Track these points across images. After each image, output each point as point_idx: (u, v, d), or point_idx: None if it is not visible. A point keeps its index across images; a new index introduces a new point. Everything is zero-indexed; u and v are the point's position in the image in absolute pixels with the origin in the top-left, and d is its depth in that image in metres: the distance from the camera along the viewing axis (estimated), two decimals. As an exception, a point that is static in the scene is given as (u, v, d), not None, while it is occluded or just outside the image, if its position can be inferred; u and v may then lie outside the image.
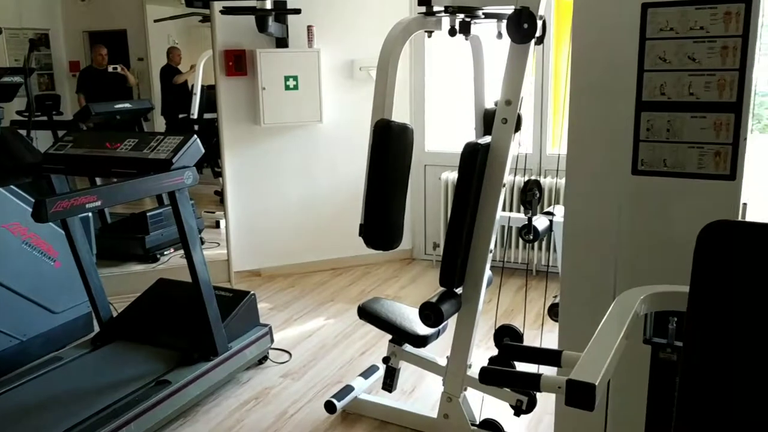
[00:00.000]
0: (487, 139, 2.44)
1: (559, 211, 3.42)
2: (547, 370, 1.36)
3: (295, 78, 4.47)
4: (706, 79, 1.78)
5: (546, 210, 3.43)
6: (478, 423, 2.66)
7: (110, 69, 5.45)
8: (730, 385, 1.34)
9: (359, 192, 4.97)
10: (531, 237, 2.64)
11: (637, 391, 2.00)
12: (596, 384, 1.15)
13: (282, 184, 4.76)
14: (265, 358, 3.40)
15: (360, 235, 2.43)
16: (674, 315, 1.94)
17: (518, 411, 2.54)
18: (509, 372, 1.28)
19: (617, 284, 2.05)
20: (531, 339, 3.33)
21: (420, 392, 3.11)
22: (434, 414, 2.73)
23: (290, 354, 3.51)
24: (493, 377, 1.28)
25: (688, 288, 1.49)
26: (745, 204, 1.90)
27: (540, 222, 3.16)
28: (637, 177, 1.93)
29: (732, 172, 1.80)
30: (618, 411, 2.13)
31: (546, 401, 2.72)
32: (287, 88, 4.47)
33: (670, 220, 1.91)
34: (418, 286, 4.60)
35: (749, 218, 1.94)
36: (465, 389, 2.67)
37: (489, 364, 2.49)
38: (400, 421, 2.82)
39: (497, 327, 2.61)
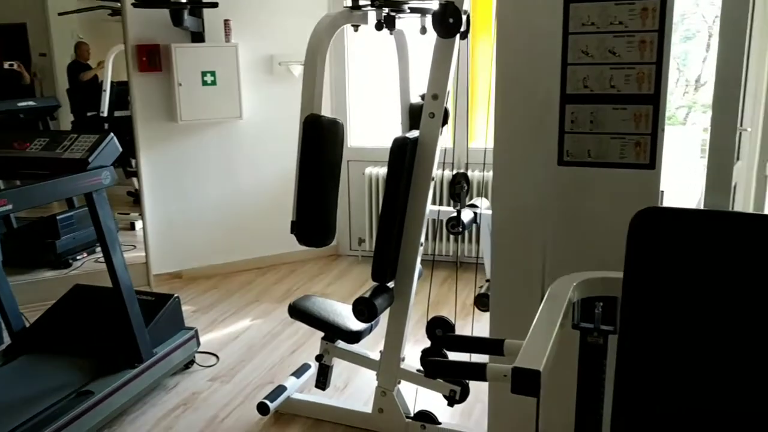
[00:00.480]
0: (415, 133, 2.45)
1: (482, 203, 3.50)
2: (478, 359, 1.38)
3: (213, 73, 4.36)
4: (626, 72, 1.86)
5: (470, 203, 3.49)
6: (412, 415, 2.68)
7: (6, 66, 5.13)
8: (660, 366, 1.40)
9: (283, 189, 4.91)
10: (459, 229, 2.68)
11: (567, 374, 2.07)
12: (541, 370, 1.17)
13: (202, 182, 4.63)
14: (192, 362, 3.30)
15: (292, 232, 2.39)
16: (600, 300, 2.02)
17: (452, 401, 2.57)
18: (455, 363, 1.29)
19: (546, 272, 2.11)
20: (461, 329, 3.39)
21: (353, 388, 3.11)
22: (369, 409, 2.74)
23: (218, 357, 3.43)
24: (439, 369, 1.29)
25: (617, 273, 1.56)
26: (662, 191, 2.00)
27: (465, 214, 3.22)
28: (563, 167, 1.99)
29: (652, 161, 1.89)
30: (549, 394, 2.19)
31: (478, 391, 2.77)
32: (205, 83, 4.34)
33: (595, 209, 1.98)
34: (345, 282, 4.59)
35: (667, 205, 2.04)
36: (399, 382, 2.69)
37: (422, 356, 2.52)
38: (334, 418, 2.81)
39: (429, 319, 2.63)
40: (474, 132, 4.70)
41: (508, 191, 2.14)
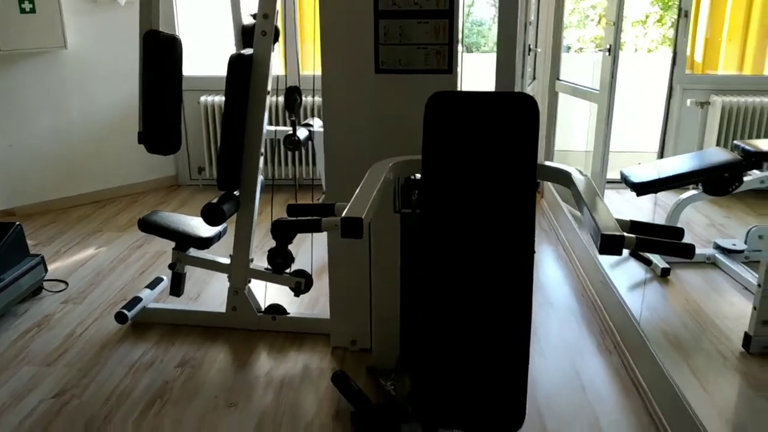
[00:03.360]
0: (249, 51, 2.67)
1: (315, 122, 3.80)
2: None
3: (31, 0, 4.18)
4: (426, -10, 2.22)
5: (304, 122, 3.79)
6: (263, 310, 2.99)
7: None
8: (443, 234, 1.80)
9: (117, 121, 4.91)
10: (297, 138, 2.96)
11: (392, 251, 2.48)
12: (363, 218, 1.52)
13: (28, 117, 4.48)
14: (41, 288, 3.35)
15: (140, 142, 2.54)
16: (416, 188, 2.43)
17: (298, 291, 2.91)
18: (297, 221, 1.60)
19: (369, 162, 2.47)
20: (301, 238, 3.73)
21: (206, 295, 3.35)
22: (223, 309, 3.00)
23: (66, 283, 3.49)
24: (284, 228, 1.60)
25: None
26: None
27: (300, 132, 3.52)
28: (380, 75, 2.34)
29: (449, 67, 2.29)
30: (379, 273, 2.60)
31: (320, 286, 3.14)
32: (23, 11, 4.16)
33: (408, 109, 2.36)
34: (188, 210, 4.72)
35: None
36: (249, 282, 2.97)
37: (268, 255, 2.83)
38: (191, 321, 3.03)
39: (273, 221, 2.91)
40: (304, 62, 4.95)
41: (336, 100, 2.46)
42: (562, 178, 1.87)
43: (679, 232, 1.56)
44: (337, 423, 2.32)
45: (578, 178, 1.80)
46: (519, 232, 1.68)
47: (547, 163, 1.92)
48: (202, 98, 4.90)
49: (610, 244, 1.43)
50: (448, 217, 1.72)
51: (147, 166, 5.03)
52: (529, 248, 1.68)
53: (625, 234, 1.44)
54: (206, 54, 5.07)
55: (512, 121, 1.63)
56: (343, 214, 1.53)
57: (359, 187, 1.73)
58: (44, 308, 3.22)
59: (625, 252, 3.62)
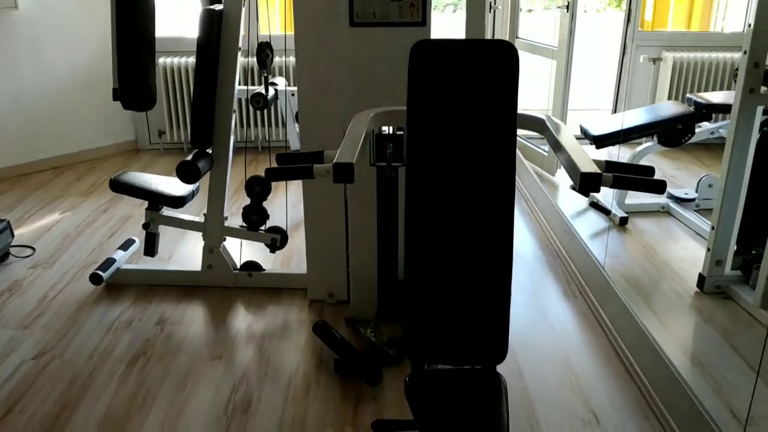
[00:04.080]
0: (219, 6, 2.66)
1: (281, 81, 3.80)
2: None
3: (-22, -42, 4.03)
4: (399, -57, 2.25)
5: (270, 81, 3.78)
6: (239, 267, 3.03)
7: None
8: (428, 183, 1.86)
9: (73, 86, 4.78)
10: (265, 95, 2.97)
11: (368, 204, 2.54)
12: (353, 162, 1.57)
13: (-22, 80, 4.34)
14: (7, 254, 3.30)
15: (115, 99, 2.52)
16: (390, 142, 2.48)
17: (273, 248, 2.96)
18: (289, 168, 1.64)
19: (345, 116, 2.51)
20: (275, 196, 3.76)
21: (179, 255, 3.35)
22: (198, 268, 3.03)
23: (33, 248, 3.45)
24: (277, 174, 1.64)
25: (405, 107, 1.98)
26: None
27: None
28: (354, 28, 2.37)
29: (423, 20, 2.33)
30: (355, 226, 2.66)
31: (294, 243, 3.19)
32: (-31, -30, 4.01)
33: (383, 60, 2.40)
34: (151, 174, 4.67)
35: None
36: (224, 239, 3.00)
37: (243, 212, 2.86)
38: (166, 281, 3.04)
39: (247, 179, 2.93)
40: (273, 23, 4.89)
41: (310, 54, 2.48)
42: (536, 125, 1.96)
43: (650, 170, 1.66)
44: (320, 371, 2.40)
45: (552, 124, 1.89)
46: (502, 177, 1.76)
47: (521, 111, 1.99)
48: (162, 60, 4.81)
49: (589, 182, 1.52)
50: (433, 164, 1.79)
51: (106, 131, 4.94)
52: (510, 194, 1.76)
53: (603, 172, 1.54)
54: (164, 15, 4.96)
55: (494, 67, 1.70)
56: (335, 160, 1.58)
57: (346, 135, 1.78)
58: (12, 274, 3.18)
59: (585, 202, 3.77)
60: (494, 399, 1.60)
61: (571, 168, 1.59)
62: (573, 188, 1.91)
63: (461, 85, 1.74)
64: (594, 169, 1.54)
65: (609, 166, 1.67)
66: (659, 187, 1.54)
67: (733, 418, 1.99)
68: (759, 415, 1.90)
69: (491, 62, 1.68)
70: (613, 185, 1.55)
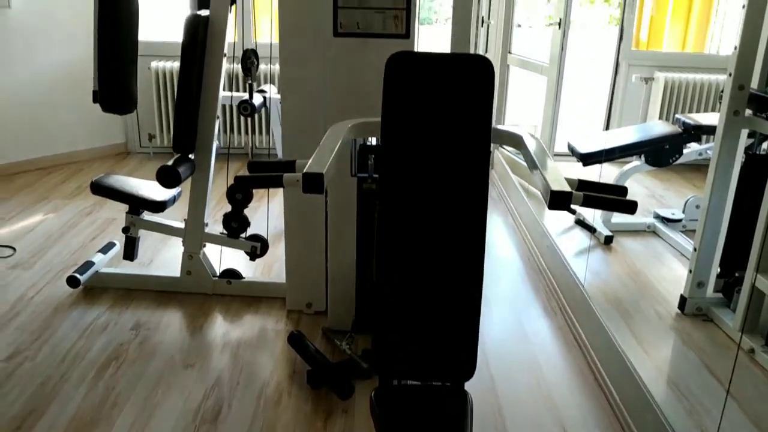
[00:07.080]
0: (206, 12, 2.65)
1: (271, 89, 3.80)
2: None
3: (-29, -43, 4.02)
4: (384, -46, 2.24)
5: (258, 89, 3.78)
6: (218, 274, 3.01)
7: None
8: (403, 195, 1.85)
9: (62, 86, 4.78)
10: (252, 103, 2.96)
11: (348, 215, 2.53)
12: (324, 173, 1.56)
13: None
14: (-14, 254, 3.28)
15: (95, 101, 2.50)
16: (372, 153, 2.47)
17: (253, 256, 2.94)
18: (259, 176, 1.62)
19: (327, 126, 2.50)
20: (256, 204, 3.75)
21: (159, 261, 3.33)
22: (177, 274, 3.00)
23: (14, 249, 3.42)
24: (247, 182, 1.62)
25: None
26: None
27: (256, 99, 3.51)
28: (338, 38, 2.36)
29: (407, 32, 2.33)
30: (335, 236, 2.64)
31: (274, 250, 3.17)
32: (-38, -32, 4.00)
33: (365, 72, 2.39)
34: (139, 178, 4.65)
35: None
36: (204, 246, 2.98)
37: (224, 219, 2.84)
38: (145, 286, 3.02)
39: (228, 186, 2.92)
40: (259, 31, 4.91)
41: (293, 63, 2.47)
42: (514, 141, 1.95)
43: (623, 190, 1.65)
44: (293, 381, 2.37)
45: (529, 141, 1.87)
46: (474, 191, 1.75)
47: (500, 126, 1.99)
48: (153, 63, 4.81)
49: (558, 200, 1.50)
50: (407, 176, 1.77)
51: (95, 133, 4.92)
52: (482, 208, 1.75)
53: (573, 191, 1.52)
54: (157, 19, 4.97)
55: (468, 81, 1.69)
56: (305, 170, 1.57)
57: (320, 145, 1.76)
58: (-9, 274, 3.15)
59: (571, 220, 3.76)
60: (458, 418, 1.58)
61: (543, 185, 1.58)
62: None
63: (436, 98, 1.73)
64: (565, 187, 1.52)
65: (581, 185, 1.66)
66: (630, 207, 1.53)
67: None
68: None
69: (467, 76, 1.68)
70: (584, 204, 1.54)
